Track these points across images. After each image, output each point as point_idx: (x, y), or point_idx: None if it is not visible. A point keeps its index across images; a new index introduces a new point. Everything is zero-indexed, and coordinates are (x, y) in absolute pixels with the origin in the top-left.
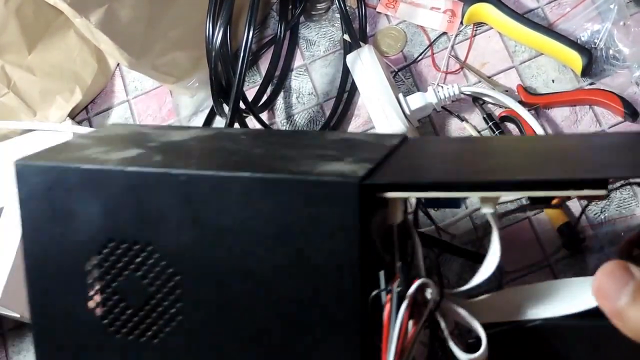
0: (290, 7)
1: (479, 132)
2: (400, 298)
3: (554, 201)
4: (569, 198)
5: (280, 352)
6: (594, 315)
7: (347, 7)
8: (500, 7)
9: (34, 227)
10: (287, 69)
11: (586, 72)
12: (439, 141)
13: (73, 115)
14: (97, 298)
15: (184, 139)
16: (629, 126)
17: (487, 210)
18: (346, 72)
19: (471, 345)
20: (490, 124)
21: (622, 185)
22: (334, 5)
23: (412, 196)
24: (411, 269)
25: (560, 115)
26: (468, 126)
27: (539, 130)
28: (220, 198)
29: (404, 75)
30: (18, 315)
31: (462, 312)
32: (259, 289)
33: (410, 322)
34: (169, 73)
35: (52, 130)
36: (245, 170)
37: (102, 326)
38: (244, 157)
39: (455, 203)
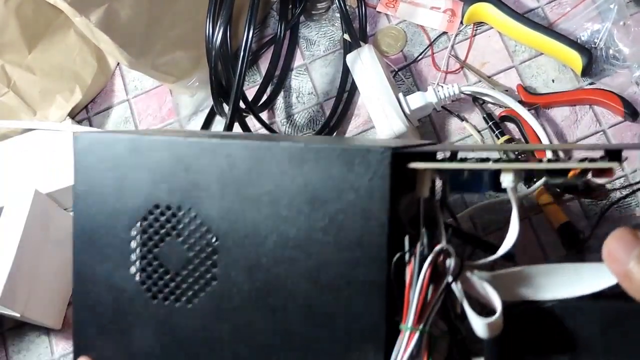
0: (291, 6)
1: (479, 131)
2: (422, 261)
3: (570, 174)
4: (586, 171)
5: (309, 313)
6: (608, 296)
7: (347, 7)
8: (500, 6)
9: (86, 194)
10: (287, 69)
11: (586, 71)
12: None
13: (73, 115)
14: (138, 264)
15: (228, 134)
16: (629, 126)
17: (507, 183)
18: (346, 71)
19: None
20: (490, 123)
21: (624, 189)
22: (334, 5)
23: (440, 167)
24: (434, 238)
25: (560, 115)
26: (468, 126)
27: (539, 130)
28: (262, 166)
29: (404, 74)
30: (18, 315)
31: (478, 281)
32: (293, 251)
33: (431, 288)
34: (169, 72)
35: (52, 129)
36: (285, 141)
37: (140, 291)
38: (284, 138)
39: (478, 185)
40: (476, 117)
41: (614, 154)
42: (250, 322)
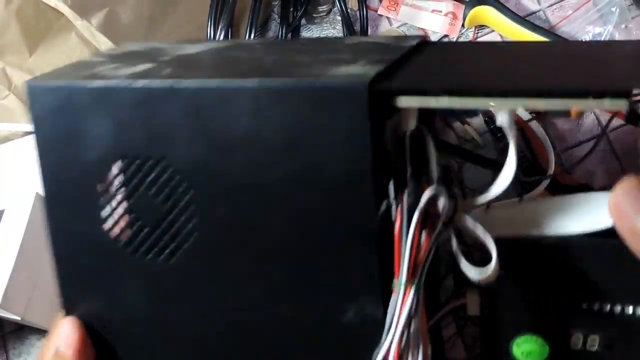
0: (292, 9)
1: (480, 134)
2: (411, 210)
3: (572, 112)
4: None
5: (298, 266)
6: (612, 234)
7: (349, 9)
8: (501, 9)
9: (47, 149)
10: None
11: None
12: (459, 47)
13: None
14: (111, 220)
15: (198, 51)
16: (631, 129)
17: (503, 122)
18: None
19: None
20: (492, 127)
21: None
22: (335, 8)
23: (423, 105)
24: (423, 177)
25: (561, 118)
26: (469, 128)
27: (541, 133)
28: (228, 109)
29: None
30: (19, 318)
31: (473, 223)
32: (271, 200)
33: (424, 234)
34: None
35: None
36: (252, 78)
37: (119, 247)
38: (253, 66)
39: (472, 112)
40: (477, 119)
41: (622, 93)
42: (237, 277)
